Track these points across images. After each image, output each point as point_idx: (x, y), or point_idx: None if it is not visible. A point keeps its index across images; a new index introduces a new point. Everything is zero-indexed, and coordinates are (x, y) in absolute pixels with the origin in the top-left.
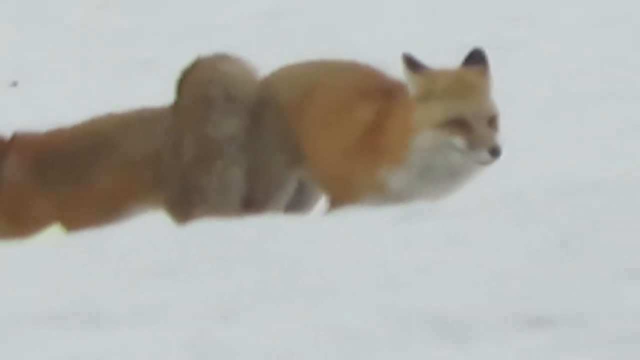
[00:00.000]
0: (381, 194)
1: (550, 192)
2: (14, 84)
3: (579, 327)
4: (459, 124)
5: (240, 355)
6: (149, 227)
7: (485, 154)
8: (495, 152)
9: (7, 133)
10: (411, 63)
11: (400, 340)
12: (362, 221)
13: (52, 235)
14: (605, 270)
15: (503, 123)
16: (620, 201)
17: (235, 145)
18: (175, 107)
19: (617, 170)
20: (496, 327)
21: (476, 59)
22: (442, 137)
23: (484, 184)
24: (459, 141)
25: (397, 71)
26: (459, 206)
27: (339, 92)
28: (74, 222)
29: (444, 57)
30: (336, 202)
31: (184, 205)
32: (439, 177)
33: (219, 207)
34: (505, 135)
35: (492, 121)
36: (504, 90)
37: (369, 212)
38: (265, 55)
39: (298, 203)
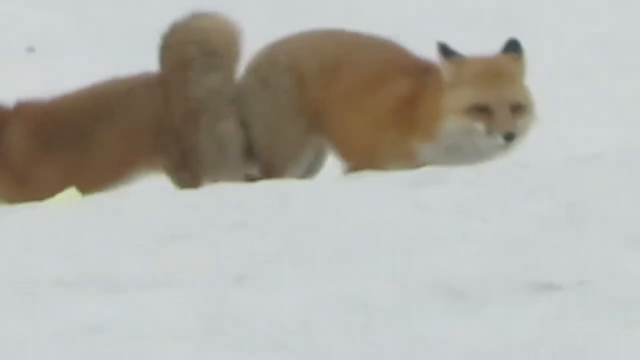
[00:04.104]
0: (410, 163)
1: (557, 163)
2: (31, 49)
3: (584, 293)
4: (481, 110)
5: (253, 320)
6: (164, 193)
7: (499, 139)
8: (509, 137)
9: (23, 98)
10: (445, 51)
11: (410, 307)
12: (373, 187)
13: (68, 198)
14: (611, 237)
15: None
16: (625, 171)
17: (219, 100)
18: (160, 72)
19: (621, 142)
20: (504, 294)
21: (512, 48)
22: (465, 123)
23: None
24: (478, 126)
25: (406, 43)
26: (470, 174)
27: (372, 66)
28: (79, 186)
29: (453, 29)
30: (359, 169)
31: (185, 168)
32: (466, 155)
33: (218, 164)
34: None
35: (516, 108)
36: None
37: (381, 177)
38: (280, 28)
39: (310, 170)
